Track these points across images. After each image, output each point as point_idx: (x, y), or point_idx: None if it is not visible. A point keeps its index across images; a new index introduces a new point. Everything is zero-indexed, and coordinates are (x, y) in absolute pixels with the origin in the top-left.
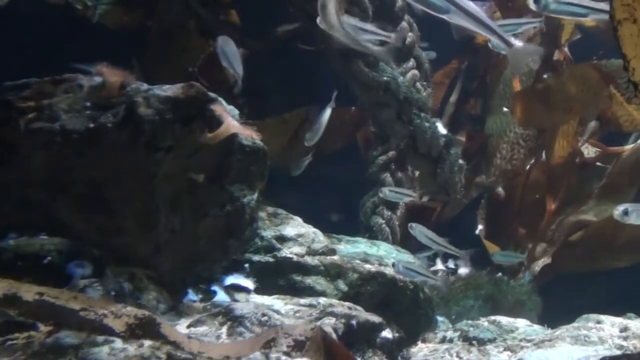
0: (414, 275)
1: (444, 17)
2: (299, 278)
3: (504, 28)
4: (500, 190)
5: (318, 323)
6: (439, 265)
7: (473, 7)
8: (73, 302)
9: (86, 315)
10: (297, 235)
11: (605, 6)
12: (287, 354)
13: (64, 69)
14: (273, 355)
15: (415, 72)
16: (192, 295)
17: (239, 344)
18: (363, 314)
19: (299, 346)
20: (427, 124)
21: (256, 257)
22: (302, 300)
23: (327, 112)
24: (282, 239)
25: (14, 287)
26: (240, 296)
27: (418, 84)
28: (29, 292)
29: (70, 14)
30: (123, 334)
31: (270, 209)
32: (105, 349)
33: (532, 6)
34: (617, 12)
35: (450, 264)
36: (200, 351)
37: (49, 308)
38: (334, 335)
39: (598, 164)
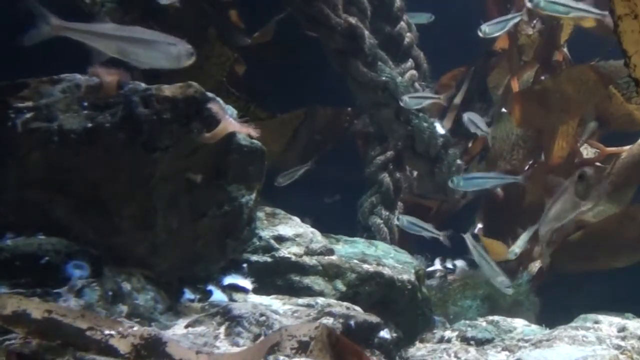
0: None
1: None
2: (297, 278)
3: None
4: (499, 190)
5: (316, 323)
6: (437, 265)
7: None
8: (80, 321)
9: (93, 335)
10: (295, 235)
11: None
12: (289, 357)
13: (65, 67)
14: None
15: (414, 72)
16: (190, 295)
17: (245, 352)
18: (361, 314)
19: (302, 347)
20: (425, 124)
21: (254, 257)
22: (300, 300)
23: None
24: (280, 239)
25: (23, 304)
26: (238, 296)
27: (417, 84)
28: (38, 309)
29: (76, 10)
30: (128, 355)
31: (268, 209)
32: None
33: (528, 4)
34: (617, 7)
35: (449, 264)
36: None
37: (57, 327)
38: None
39: (597, 164)
